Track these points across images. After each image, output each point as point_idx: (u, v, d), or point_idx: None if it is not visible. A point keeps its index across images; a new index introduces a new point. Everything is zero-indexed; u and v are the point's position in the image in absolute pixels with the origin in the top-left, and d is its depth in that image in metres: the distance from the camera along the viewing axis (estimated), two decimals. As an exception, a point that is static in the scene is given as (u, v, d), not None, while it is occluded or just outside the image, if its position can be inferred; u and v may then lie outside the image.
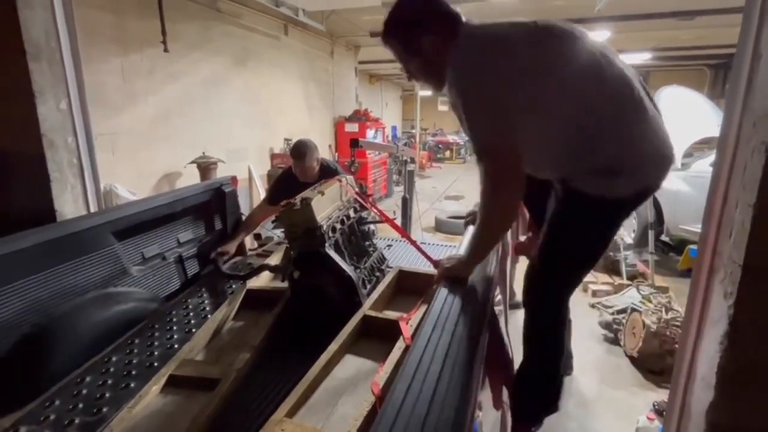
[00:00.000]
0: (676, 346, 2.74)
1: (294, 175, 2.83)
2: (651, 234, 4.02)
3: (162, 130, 4.41)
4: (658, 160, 1.28)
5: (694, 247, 3.81)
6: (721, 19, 6.02)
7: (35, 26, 1.96)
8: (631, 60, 10.21)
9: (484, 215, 1.21)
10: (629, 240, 5.23)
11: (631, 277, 4.33)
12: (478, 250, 1.29)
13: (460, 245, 1.64)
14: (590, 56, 1.23)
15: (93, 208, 2.21)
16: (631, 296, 3.57)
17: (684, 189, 4.72)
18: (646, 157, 1.26)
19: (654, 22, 6.51)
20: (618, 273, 4.46)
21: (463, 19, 1.26)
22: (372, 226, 2.23)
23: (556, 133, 1.23)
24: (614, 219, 1.34)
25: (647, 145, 1.25)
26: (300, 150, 2.68)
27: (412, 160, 5.46)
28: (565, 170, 1.29)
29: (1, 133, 2.05)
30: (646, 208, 4.22)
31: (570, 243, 1.33)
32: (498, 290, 1.66)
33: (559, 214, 1.34)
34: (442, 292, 1.22)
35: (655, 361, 2.89)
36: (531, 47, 1.20)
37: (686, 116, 5.20)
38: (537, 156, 1.25)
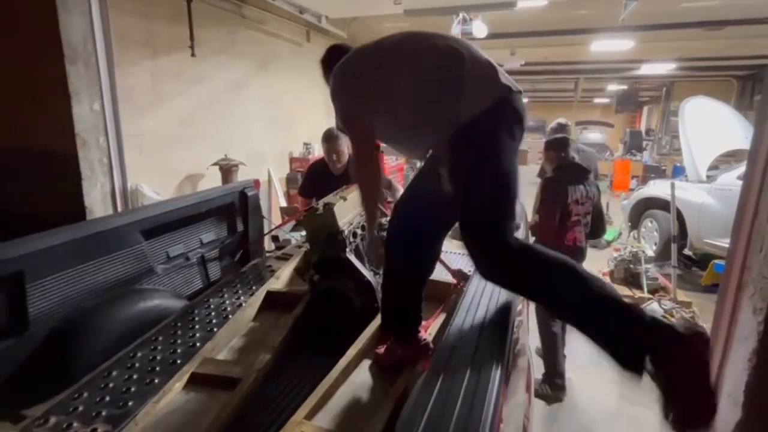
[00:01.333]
0: (700, 363, 2.66)
1: (325, 167, 2.95)
2: (674, 247, 3.93)
3: (186, 132, 4.51)
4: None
5: (719, 261, 3.71)
6: (752, 30, 5.88)
7: (73, 30, 2.05)
8: (655, 70, 10.04)
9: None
10: (651, 253, 5.12)
11: (653, 291, 4.23)
12: (365, 220, 1.62)
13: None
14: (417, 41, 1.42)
15: (120, 207, 2.28)
16: (652, 310, 3.48)
17: (709, 202, 4.60)
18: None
19: (680, 32, 6.40)
20: (638, 286, 4.37)
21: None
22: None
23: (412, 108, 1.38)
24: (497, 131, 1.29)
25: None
26: (332, 132, 2.88)
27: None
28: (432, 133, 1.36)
29: (37, 131, 2.14)
30: (669, 221, 4.13)
31: (482, 170, 1.27)
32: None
33: (454, 167, 1.29)
34: (465, 302, 1.22)
35: (677, 378, 2.81)
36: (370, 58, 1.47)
37: (712, 128, 5.09)
38: (412, 135, 1.46)
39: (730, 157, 5.30)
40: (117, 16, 2.77)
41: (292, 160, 6.43)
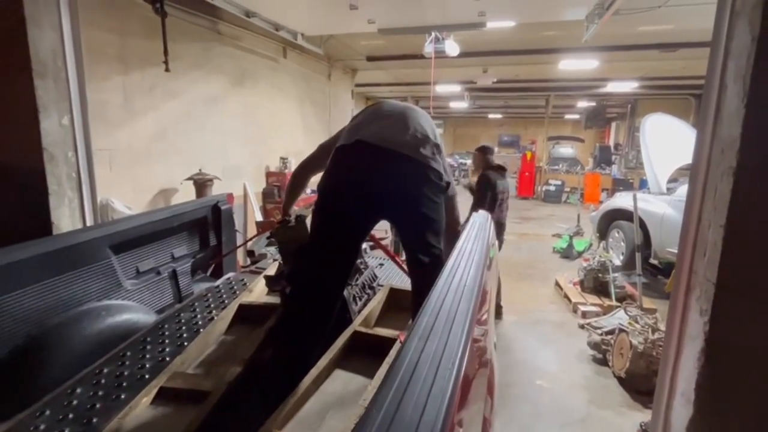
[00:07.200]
0: (663, 367, 2.77)
1: None
2: (638, 256, 4.09)
3: (160, 146, 4.46)
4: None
5: (680, 269, 3.87)
6: (703, 52, 6.27)
7: (43, 45, 2.03)
8: (620, 88, 10.53)
9: None
10: (618, 262, 5.30)
11: (620, 299, 4.37)
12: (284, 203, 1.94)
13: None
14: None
15: (89, 222, 2.24)
16: (619, 317, 3.60)
17: (669, 213, 4.82)
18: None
19: (640, 53, 6.77)
20: (607, 294, 4.51)
21: None
22: (364, 245, 2.28)
23: None
24: None
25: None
26: None
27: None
28: None
29: (2, 145, 2.10)
30: (633, 231, 4.31)
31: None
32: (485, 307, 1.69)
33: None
34: (430, 305, 1.26)
35: (642, 381, 2.91)
36: None
37: (671, 143, 5.36)
38: None
39: (688, 171, 5.59)
40: (88, 30, 2.76)
41: (268, 174, 6.42)
